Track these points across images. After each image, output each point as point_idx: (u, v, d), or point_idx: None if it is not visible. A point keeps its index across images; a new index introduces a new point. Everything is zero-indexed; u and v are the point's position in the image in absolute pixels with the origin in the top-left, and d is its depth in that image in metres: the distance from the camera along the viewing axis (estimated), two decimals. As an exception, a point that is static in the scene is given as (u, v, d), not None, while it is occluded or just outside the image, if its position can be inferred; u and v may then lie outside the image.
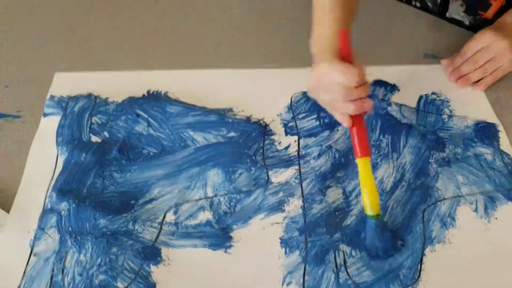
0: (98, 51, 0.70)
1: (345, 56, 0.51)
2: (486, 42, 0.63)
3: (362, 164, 0.50)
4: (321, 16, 0.57)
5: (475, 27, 0.75)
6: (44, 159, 0.55)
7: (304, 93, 0.63)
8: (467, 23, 0.75)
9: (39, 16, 0.75)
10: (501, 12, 0.70)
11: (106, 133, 0.58)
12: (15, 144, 0.57)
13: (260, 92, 0.63)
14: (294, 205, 0.52)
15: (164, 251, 0.48)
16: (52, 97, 0.61)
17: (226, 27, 0.74)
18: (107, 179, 0.53)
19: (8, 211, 0.50)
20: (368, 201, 0.49)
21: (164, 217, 0.51)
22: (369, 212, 0.49)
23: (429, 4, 0.77)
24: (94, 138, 0.57)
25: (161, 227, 0.50)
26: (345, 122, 0.52)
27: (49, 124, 0.58)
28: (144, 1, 0.78)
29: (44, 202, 0.51)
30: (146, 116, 0.59)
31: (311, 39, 0.57)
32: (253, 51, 0.70)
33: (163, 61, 0.68)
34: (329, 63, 0.50)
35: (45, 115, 0.59)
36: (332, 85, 0.50)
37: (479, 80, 0.64)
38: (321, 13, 0.57)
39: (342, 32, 0.52)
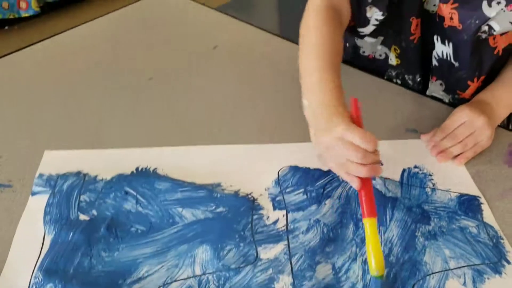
0: (89, 128, 0.71)
1: (357, 123, 0.56)
2: (465, 119, 0.66)
3: (369, 224, 0.51)
4: (314, 82, 0.61)
5: (455, 104, 0.78)
6: (31, 238, 0.54)
7: (291, 167, 0.64)
8: (446, 101, 0.79)
9: (33, 92, 0.77)
10: (478, 92, 0.74)
11: (94, 211, 0.58)
12: (5, 213, 0.57)
13: (248, 167, 0.64)
14: (284, 283, 0.51)
15: (152, 333, 0.47)
16: (41, 175, 0.62)
17: (216, 104, 0.76)
18: (95, 258, 0.53)
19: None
20: (374, 261, 0.49)
21: (152, 297, 0.50)
22: (375, 272, 0.49)
23: (410, 82, 0.81)
24: (82, 217, 0.57)
25: (148, 308, 0.49)
26: (355, 184, 0.55)
27: (37, 203, 0.58)
28: (138, 78, 0.81)
29: (29, 283, 0.50)
30: (134, 193, 0.59)
31: (308, 107, 0.60)
32: (240, 127, 0.72)
33: (153, 137, 0.69)
34: (346, 127, 0.54)
35: (33, 193, 0.60)
36: (349, 148, 0.54)
37: (459, 154, 0.66)
38: (313, 79, 0.61)
39: (354, 100, 0.57)
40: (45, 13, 2.31)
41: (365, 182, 0.54)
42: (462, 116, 0.66)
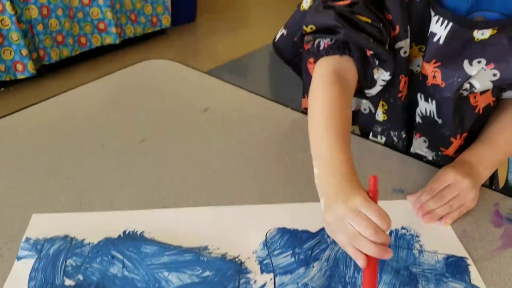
0: (79, 190, 0.71)
1: (373, 199, 0.55)
2: (450, 181, 0.67)
3: None
4: (324, 153, 0.61)
5: (438, 162, 0.80)
6: (14, 305, 0.54)
7: (279, 229, 0.64)
8: (430, 158, 0.81)
9: (22, 154, 0.78)
10: (461, 149, 0.76)
11: (80, 276, 0.57)
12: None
13: (236, 229, 0.64)
14: None
15: None
16: (27, 239, 0.61)
17: (206, 166, 0.77)
18: (78, 325, 0.52)
19: None
20: None
21: None
22: None
23: (395, 138, 0.83)
24: (68, 282, 0.56)
25: None
26: (361, 261, 0.52)
27: (23, 268, 0.58)
28: (130, 140, 0.82)
29: None
30: (121, 257, 0.59)
31: (319, 176, 0.59)
32: (229, 189, 0.72)
33: (143, 199, 0.70)
34: (364, 201, 0.53)
35: (19, 258, 0.59)
36: (364, 222, 0.52)
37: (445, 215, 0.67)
38: (323, 150, 0.61)
39: (374, 178, 0.57)
40: (41, 75, 2.36)
41: (371, 261, 0.52)
42: (447, 178, 0.68)
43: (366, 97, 0.77)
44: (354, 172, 0.58)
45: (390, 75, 0.70)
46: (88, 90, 0.97)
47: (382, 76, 0.70)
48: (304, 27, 0.70)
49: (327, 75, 0.67)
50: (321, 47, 0.69)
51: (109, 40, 2.47)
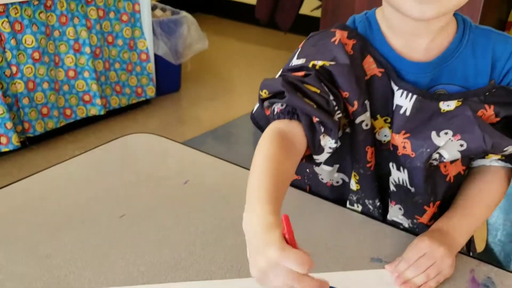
0: (59, 269, 0.71)
1: (290, 241, 0.52)
2: (426, 249, 0.69)
3: None
4: (253, 198, 0.59)
5: (415, 230, 0.81)
6: None
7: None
8: (406, 225, 0.82)
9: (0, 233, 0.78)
10: (435, 217, 0.78)
11: None
12: None
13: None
14: None
15: None
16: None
17: (186, 241, 0.77)
18: None
19: None
20: None
21: None
22: None
23: (370, 207, 0.84)
24: None
25: None
26: None
27: None
28: (110, 216, 0.82)
29: None
30: None
31: (245, 221, 0.57)
32: (211, 263, 0.72)
33: (124, 276, 0.69)
34: (279, 252, 0.50)
35: None
36: (282, 274, 0.50)
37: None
38: (254, 196, 0.59)
39: (285, 217, 0.54)
40: (25, 147, 2.36)
41: None
42: (423, 247, 0.69)
43: (317, 163, 0.77)
44: (278, 224, 0.54)
45: (335, 142, 0.71)
46: (69, 166, 0.98)
47: (328, 143, 0.71)
48: (260, 92, 0.73)
49: (271, 134, 0.67)
50: (275, 112, 0.71)
51: (94, 111, 2.51)
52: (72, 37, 2.38)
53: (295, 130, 0.69)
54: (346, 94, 0.73)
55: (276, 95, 0.72)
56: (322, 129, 0.70)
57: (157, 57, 2.78)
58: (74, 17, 2.37)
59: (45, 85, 2.31)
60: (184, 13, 2.87)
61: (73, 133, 2.57)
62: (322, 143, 0.71)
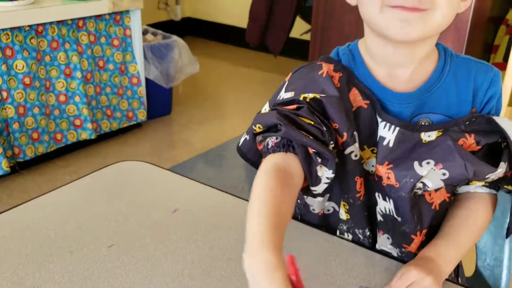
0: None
1: (297, 283, 0.53)
2: (413, 278, 0.69)
3: None
4: (253, 241, 0.59)
5: (403, 258, 0.82)
6: None
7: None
8: (395, 254, 0.83)
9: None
10: (423, 245, 0.79)
11: None
12: None
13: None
14: None
15: None
16: None
17: (175, 270, 0.77)
18: None
19: None
20: None
21: None
22: None
23: (360, 236, 0.85)
24: None
25: None
26: None
27: None
28: (99, 246, 0.82)
29: None
30: None
31: (245, 260, 0.57)
32: (197, 294, 0.72)
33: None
34: None
35: None
36: None
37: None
38: (255, 239, 0.59)
39: (290, 258, 0.54)
40: (15, 172, 2.35)
41: None
42: (410, 276, 0.69)
43: (315, 195, 0.78)
44: (281, 265, 0.55)
45: (333, 173, 0.72)
46: (58, 195, 0.98)
47: (325, 173, 0.72)
48: (253, 127, 0.74)
49: (268, 168, 0.68)
50: (269, 146, 0.72)
51: (84, 135, 2.51)
52: (63, 62, 2.39)
53: (291, 162, 0.70)
54: (336, 125, 0.74)
55: (269, 129, 0.73)
56: (319, 160, 0.71)
57: (148, 81, 2.79)
58: (65, 42, 2.38)
59: (36, 110, 2.31)
60: (175, 37, 2.90)
61: (63, 157, 2.56)
62: (319, 173, 0.72)
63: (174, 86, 2.99)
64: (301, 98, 0.74)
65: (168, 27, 4.40)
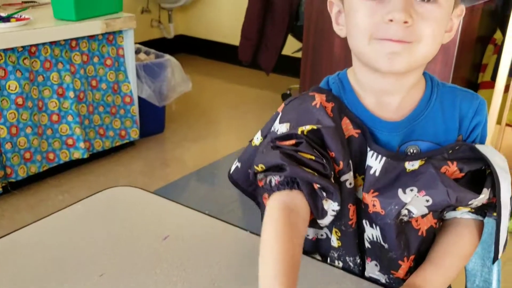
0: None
1: None
2: None
3: None
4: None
5: (392, 285, 0.83)
6: None
7: None
8: (383, 281, 0.84)
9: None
10: (411, 271, 0.80)
11: None
12: None
13: None
14: None
15: None
16: None
17: (162, 299, 0.78)
18: None
19: None
20: None
21: None
22: None
23: (351, 264, 0.86)
24: None
25: None
26: None
27: None
28: (90, 275, 0.83)
29: None
30: None
31: None
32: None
33: None
34: None
35: None
36: None
37: None
38: (267, 281, 0.61)
39: None
40: (7, 192, 2.35)
41: None
42: None
43: (321, 227, 0.80)
44: None
45: (338, 205, 0.74)
46: (48, 223, 0.98)
47: (331, 206, 0.74)
48: (255, 167, 0.75)
49: (276, 209, 0.70)
50: (273, 184, 0.73)
51: (77, 155, 2.51)
52: (56, 82, 2.40)
53: (297, 199, 0.72)
54: (332, 154, 0.76)
55: (271, 168, 0.74)
56: (324, 194, 0.73)
57: (141, 100, 2.81)
58: (58, 62, 2.40)
59: (28, 130, 2.31)
60: (168, 56, 2.92)
61: (56, 177, 2.56)
62: (325, 207, 0.74)
63: (167, 104, 3.01)
64: (298, 132, 0.75)
65: (161, 44, 4.43)
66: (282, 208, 0.70)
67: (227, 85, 4.17)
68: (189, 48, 4.75)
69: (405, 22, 0.69)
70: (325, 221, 0.76)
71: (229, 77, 4.30)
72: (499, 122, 2.21)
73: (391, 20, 0.69)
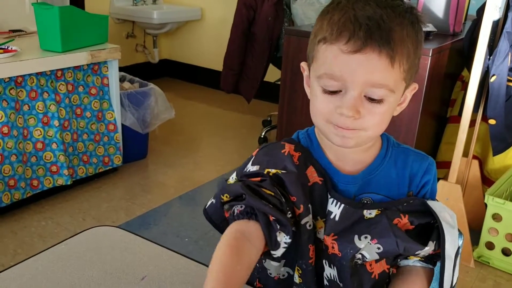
0: None
1: None
2: None
3: None
4: None
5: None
6: None
7: None
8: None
9: None
10: None
11: None
12: None
13: None
14: None
15: None
16: None
17: None
18: None
19: None
20: None
21: None
22: None
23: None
24: None
25: None
26: None
27: None
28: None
29: None
30: None
31: None
32: None
33: None
34: None
35: None
36: None
37: None
38: None
39: None
40: (-9, 218, 2.39)
41: None
42: None
43: (274, 258, 0.87)
44: None
45: (290, 238, 0.82)
46: (33, 264, 1.03)
47: (284, 239, 0.83)
48: (221, 196, 0.85)
49: (229, 236, 0.79)
50: (235, 213, 0.83)
51: (61, 181, 2.57)
52: (41, 111, 2.46)
53: (253, 229, 0.81)
54: (294, 198, 0.86)
55: (236, 198, 0.84)
56: (278, 227, 0.81)
57: (124, 127, 2.88)
58: (44, 92, 2.46)
59: (13, 158, 2.37)
60: (151, 85, 3.01)
61: (39, 203, 2.61)
62: (279, 239, 0.82)
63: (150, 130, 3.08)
64: (265, 172, 0.87)
65: (146, 69, 4.52)
66: (234, 236, 0.79)
67: (209, 109, 4.26)
68: (173, 72, 4.84)
69: (353, 116, 0.80)
70: (278, 252, 0.84)
71: (211, 101, 4.40)
72: (465, 154, 2.32)
73: (342, 114, 0.80)
